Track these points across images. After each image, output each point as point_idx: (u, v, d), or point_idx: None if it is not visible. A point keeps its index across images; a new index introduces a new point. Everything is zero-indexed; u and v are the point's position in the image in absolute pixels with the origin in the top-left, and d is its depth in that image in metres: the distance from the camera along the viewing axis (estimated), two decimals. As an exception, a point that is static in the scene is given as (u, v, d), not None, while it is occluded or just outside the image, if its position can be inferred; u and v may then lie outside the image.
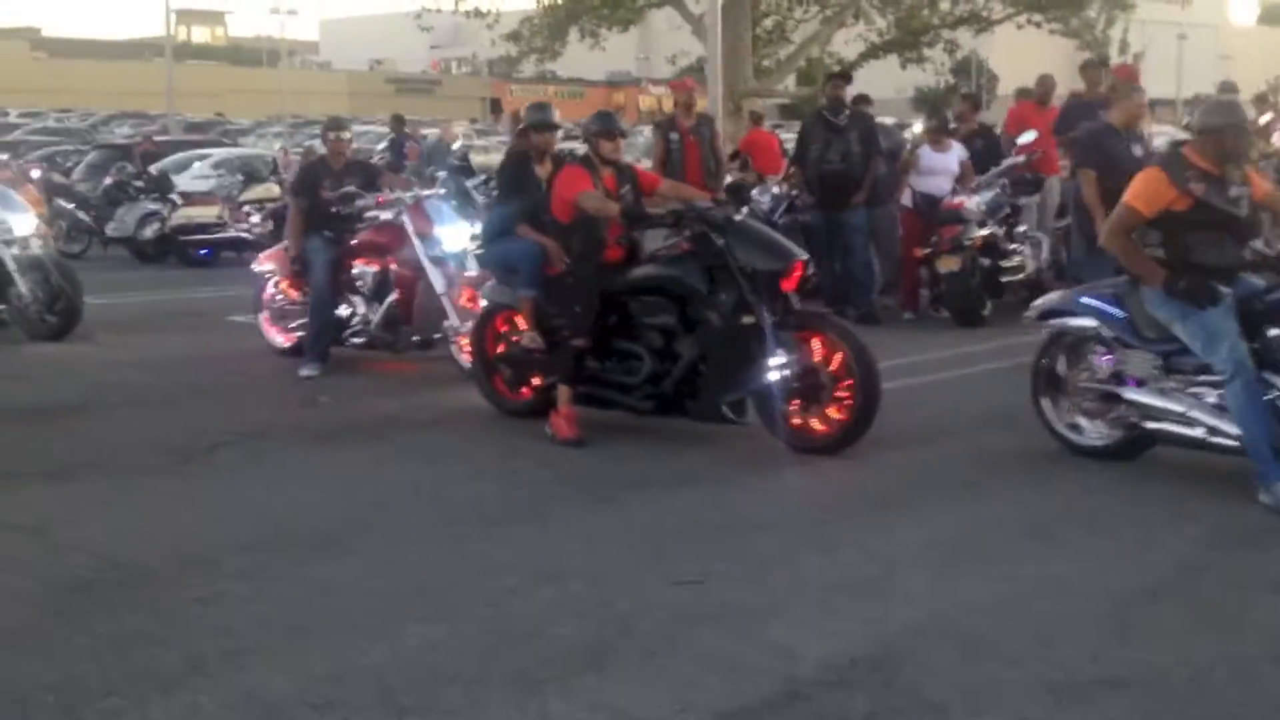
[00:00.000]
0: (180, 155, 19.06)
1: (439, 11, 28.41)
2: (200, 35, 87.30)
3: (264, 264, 8.66)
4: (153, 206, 15.02)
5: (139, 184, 15.46)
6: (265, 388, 7.65)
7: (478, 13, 28.61)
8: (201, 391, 7.51)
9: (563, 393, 6.16)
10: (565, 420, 6.11)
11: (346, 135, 8.38)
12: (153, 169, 16.72)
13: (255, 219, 15.03)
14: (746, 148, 14.93)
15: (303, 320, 8.26)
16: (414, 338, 7.96)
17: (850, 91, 10.65)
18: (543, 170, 6.55)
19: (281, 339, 8.59)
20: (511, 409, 6.60)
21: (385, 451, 6.07)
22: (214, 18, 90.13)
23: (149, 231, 14.61)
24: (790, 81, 27.24)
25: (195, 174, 17.71)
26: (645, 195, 6.31)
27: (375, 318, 7.95)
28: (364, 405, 7.10)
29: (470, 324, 7.62)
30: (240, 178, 15.81)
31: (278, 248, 8.77)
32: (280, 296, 8.58)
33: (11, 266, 8.90)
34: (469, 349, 7.62)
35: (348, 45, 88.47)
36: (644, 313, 6.02)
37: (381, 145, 22.02)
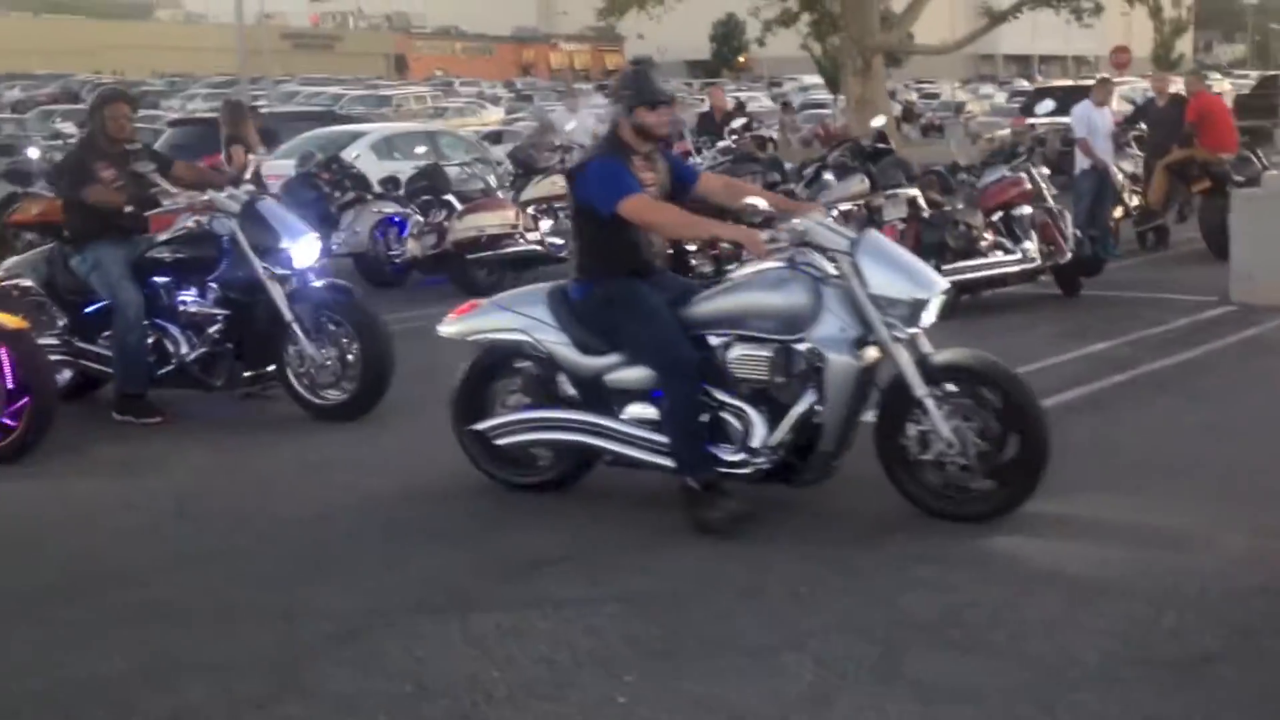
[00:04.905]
0: (308, 135, 14.41)
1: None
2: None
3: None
4: (392, 210, 10.73)
5: (326, 177, 11.02)
6: None
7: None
8: None
9: None
10: None
11: None
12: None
13: (546, 226, 10.87)
14: (1196, 116, 11.50)
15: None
16: None
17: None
18: None
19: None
20: None
21: None
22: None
23: (418, 248, 10.26)
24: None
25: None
26: None
27: None
28: None
29: None
30: (509, 168, 11.52)
31: None
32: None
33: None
34: None
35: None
36: None
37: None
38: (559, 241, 11.01)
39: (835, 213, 9.23)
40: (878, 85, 23.04)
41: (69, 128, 25.62)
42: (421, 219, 10.68)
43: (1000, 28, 29.20)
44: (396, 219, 10.81)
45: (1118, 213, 11.68)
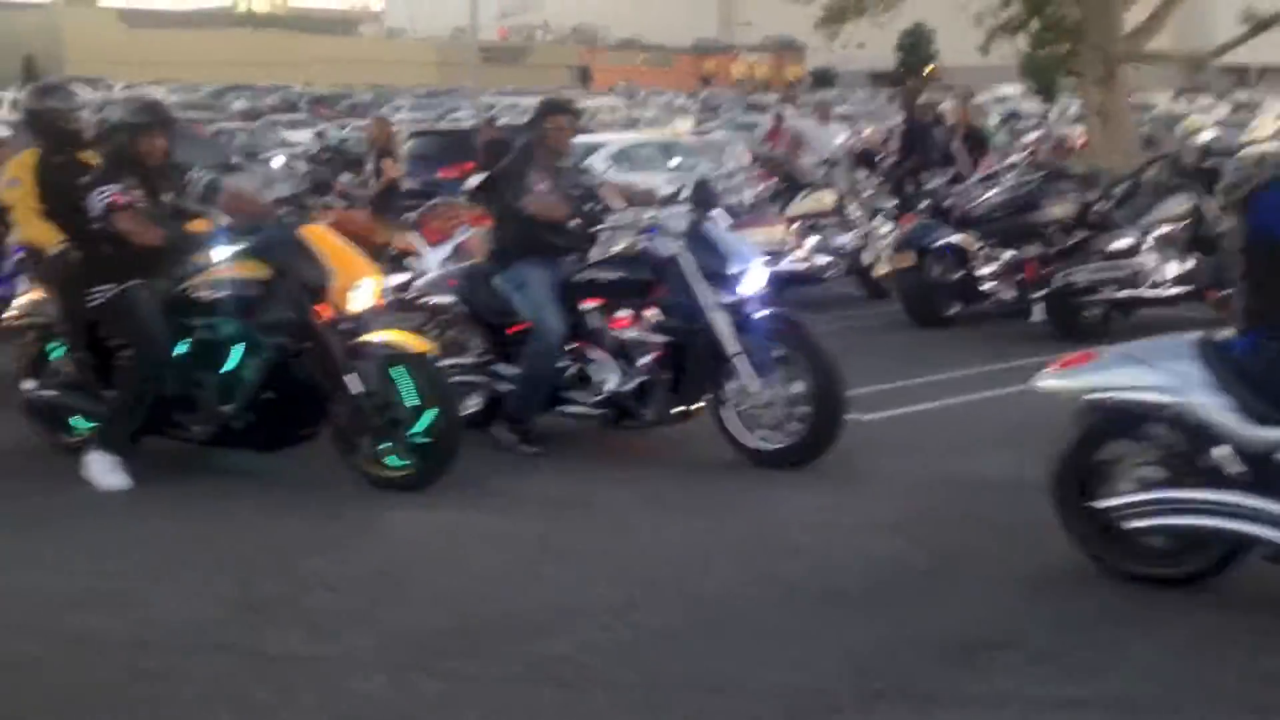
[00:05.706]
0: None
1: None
2: (261, 4, 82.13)
3: None
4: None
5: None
6: None
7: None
8: None
9: None
10: None
11: None
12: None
13: (810, 243, 10.34)
14: None
15: None
16: None
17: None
18: None
19: None
20: None
21: None
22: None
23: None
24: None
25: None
26: None
27: None
28: None
29: None
30: (771, 182, 11.07)
31: None
32: None
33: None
34: None
35: (414, 12, 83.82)
36: None
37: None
38: (825, 260, 10.49)
39: (1153, 237, 8.47)
40: (1120, 96, 21.71)
41: (296, 136, 26.36)
42: (687, 234, 10.29)
43: (1216, 36, 27.23)
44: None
45: None
